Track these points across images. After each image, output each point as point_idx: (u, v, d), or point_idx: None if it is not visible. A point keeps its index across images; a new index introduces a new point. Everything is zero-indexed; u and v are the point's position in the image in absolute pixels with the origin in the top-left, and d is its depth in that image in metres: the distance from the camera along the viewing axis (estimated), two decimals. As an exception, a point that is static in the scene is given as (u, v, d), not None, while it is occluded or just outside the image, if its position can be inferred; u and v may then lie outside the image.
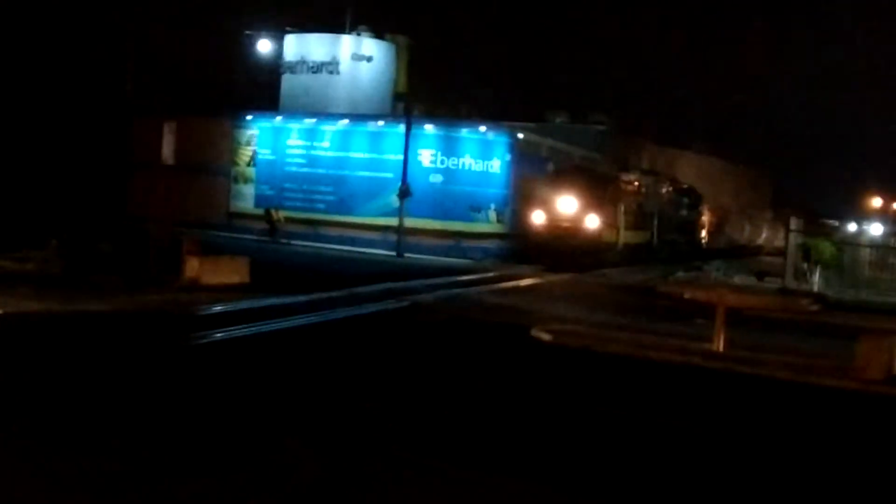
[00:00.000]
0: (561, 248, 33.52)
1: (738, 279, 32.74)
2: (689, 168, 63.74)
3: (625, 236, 37.77)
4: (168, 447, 8.51)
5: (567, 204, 34.72)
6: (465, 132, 38.73)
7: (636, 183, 41.23)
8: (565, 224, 34.41)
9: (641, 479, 8.74)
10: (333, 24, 47.22)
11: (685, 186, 51.03)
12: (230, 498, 7.44)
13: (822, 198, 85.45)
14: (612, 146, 51.48)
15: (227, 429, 9.28)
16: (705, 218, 54.03)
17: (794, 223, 30.53)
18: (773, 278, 30.89)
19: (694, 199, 51.08)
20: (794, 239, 29.54)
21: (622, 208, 37.55)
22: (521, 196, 37.11)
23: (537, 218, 35.04)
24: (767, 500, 8.60)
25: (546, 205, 35.03)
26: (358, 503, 7.66)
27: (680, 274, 34.27)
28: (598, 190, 35.56)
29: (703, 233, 53.93)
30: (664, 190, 45.50)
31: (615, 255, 36.63)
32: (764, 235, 69.29)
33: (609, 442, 9.96)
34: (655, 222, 42.40)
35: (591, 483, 8.47)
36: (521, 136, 39.52)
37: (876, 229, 41.24)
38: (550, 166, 40.02)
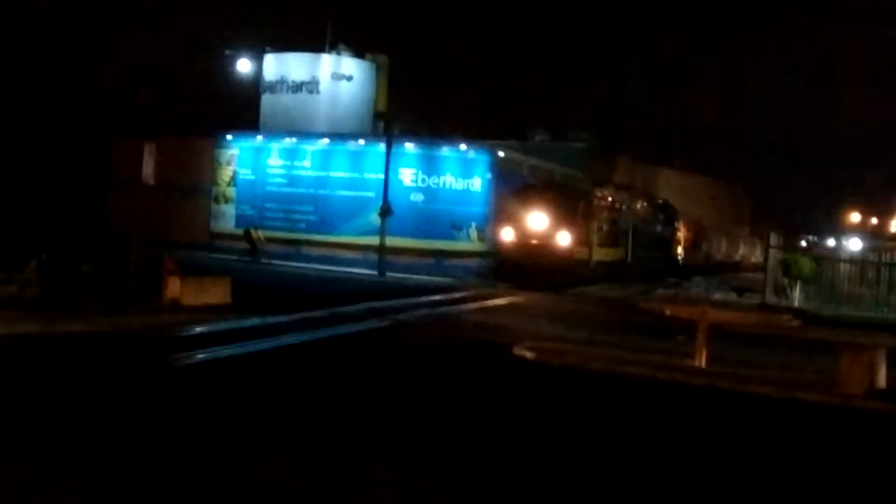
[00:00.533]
0: (531, 266, 32.68)
1: (718, 295, 32.84)
2: (670, 185, 64.14)
3: (597, 253, 36.89)
4: (154, 468, 8.46)
5: (537, 220, 33.80)
6: (445, 151, 38.88)
7: (609, 198, 40.09)
8: (535, 241, 33.55)
9: (631, 493, 8.76)
10: (313, 44, 47.36)
11: (660, 202, 50.43)
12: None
13: (801, 213, 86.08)
14: (593, 163, 51.61)
15: (213, 448, 9.23)
16: (681, 234, 53.11)
17: (773, 239, 30.69)
18: (753, 294, 31.02)
19: (669, 215, 50.29)
20: (774, 254, 29.68)
21: (595, 224, 36.58)
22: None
23: (506, 235, 34.27)
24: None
25: (515, 221, 34.18)
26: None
27: (660, 291, 34.28)
28: (569, 206, 34.49)
29: (679, 249, 52.98)
30: (638, 205, 44.62)
31: (588, 272, 35.74)
32: (740, 251, 69.70)
33: (595, 458, 9.97)
34: (629, 238, 41.51)
35: (578, 500, 8.48)
36: (501, 154, 39.63)
37: (854, 244, 41.42)
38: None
